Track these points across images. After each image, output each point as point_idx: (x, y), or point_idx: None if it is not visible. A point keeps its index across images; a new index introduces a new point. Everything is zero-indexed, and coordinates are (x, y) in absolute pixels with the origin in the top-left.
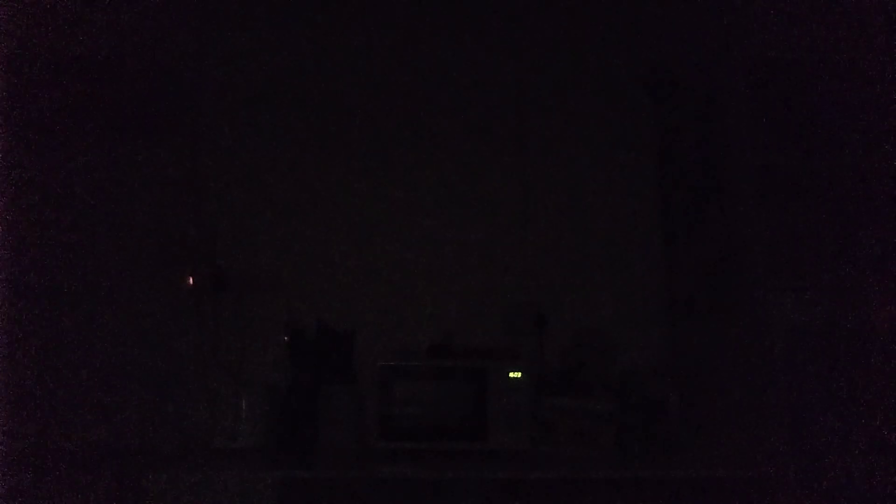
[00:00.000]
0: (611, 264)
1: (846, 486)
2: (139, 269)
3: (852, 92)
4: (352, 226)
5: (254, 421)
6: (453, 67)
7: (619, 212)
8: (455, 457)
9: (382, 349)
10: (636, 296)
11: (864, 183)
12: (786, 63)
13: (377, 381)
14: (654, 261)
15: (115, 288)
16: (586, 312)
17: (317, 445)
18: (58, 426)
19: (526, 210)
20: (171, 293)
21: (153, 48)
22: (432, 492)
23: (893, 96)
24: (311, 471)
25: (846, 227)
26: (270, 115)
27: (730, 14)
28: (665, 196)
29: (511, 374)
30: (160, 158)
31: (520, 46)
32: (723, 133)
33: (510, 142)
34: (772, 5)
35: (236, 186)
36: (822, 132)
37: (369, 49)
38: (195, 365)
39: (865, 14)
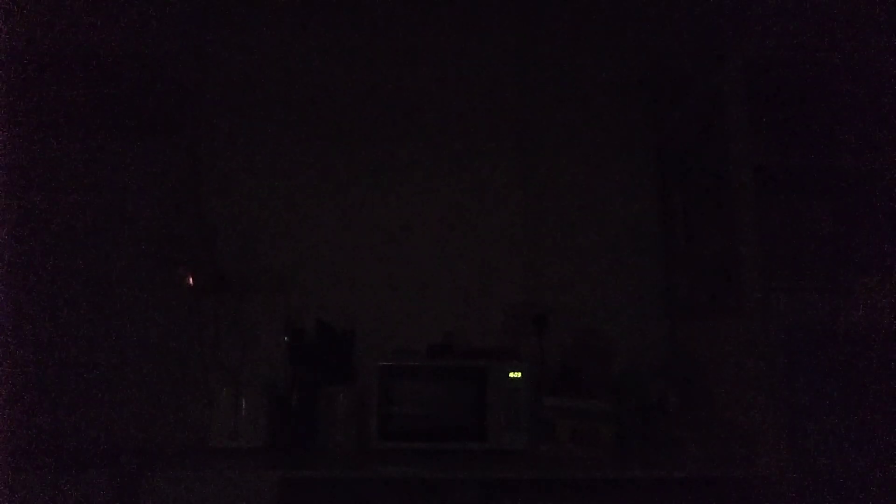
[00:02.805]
0: (611, 264)
1: (846, 486)
2: (139, 269)
3: (852, 92)
4: (352, 226)
5: (254, 421)
6: (453, 67)
7: (619, 212)
8: (455, 457)
9: (382, 349)
10: (636, 296)
11: (864, 183)
12: (786, 63)
13: (377, 381)
14: (653, 261)
15: (115, 288)
16: (586, 313)
17: (317, 445)
18: (58, 426)
19: (526, 210)
20: (171, 293)
21: (153, 48)
22: (432, 492)
23: (893, 96)
24: (311, 471)
25: (846, 227)
26: (270, 115)
27: (730, 14)
28: (665, 196)
29: (511, 374)
30: (160, 158)
31: (520, 47)
32: (723, 133)
33: (510, 142)
34: (772, 5)
35: (236, 186)
36: (822, 132)
37: (369, 48)
38: (195, 365)
39: (865, 14)
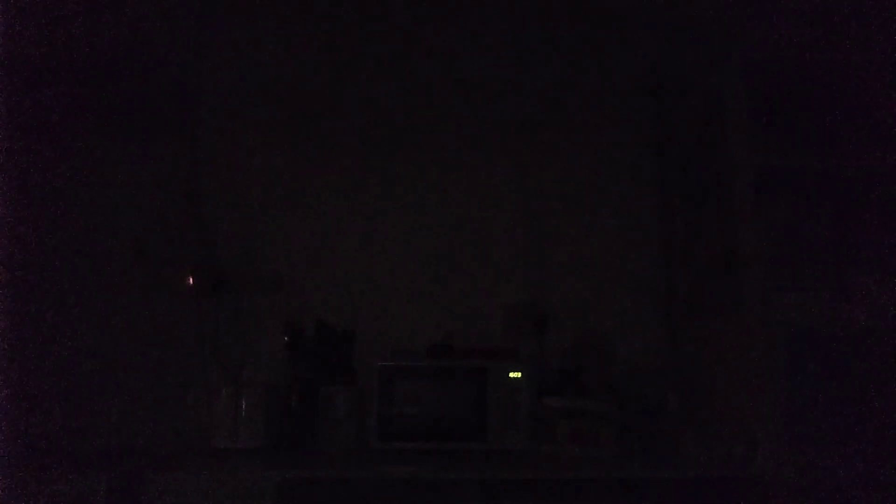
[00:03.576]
0: (611, 264)
1: (846, 486)
2: (139, 269)
3: (852, 92)
4: (352, 226)
5: (254, 421)
6: (453, 67)
7: (619, 212)
8: (455, 457)
9: (382, 349)
10: (636, 296)
11: (864, 183)
12: (786, 63)
13: (377, 381)
14: (654, 261)
15: (115, 288)
16: (586, 313)
17: (317, 445)
18: (58, 426)
19: (526, 210)
20: (171, 293)
21: (153, 48)
22: (432, 492)
23: (893, 96)
24: (311, 471)
25: (846, 227)
26: (270, 116)
27: (730, 14)
28: (665, 196)
29: (511, 374)
30: (160, 158)
31: (520, 47)
32: (723, 133)
33: (510, 142)
34: (772, 5)
35: (236, 186)
36: (822, 132)
37: (369, 49)
38: (195, 365)
39: (865, 14)
